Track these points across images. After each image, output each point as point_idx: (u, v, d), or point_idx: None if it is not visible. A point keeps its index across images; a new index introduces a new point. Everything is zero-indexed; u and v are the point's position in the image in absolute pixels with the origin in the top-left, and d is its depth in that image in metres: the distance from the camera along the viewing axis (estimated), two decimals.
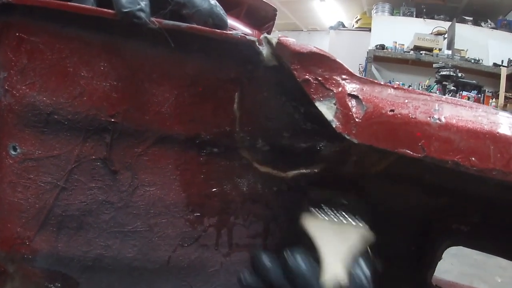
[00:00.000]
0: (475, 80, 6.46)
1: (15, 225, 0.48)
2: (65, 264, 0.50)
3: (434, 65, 5.51)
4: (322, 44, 8.62)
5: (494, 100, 7.25)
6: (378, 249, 0.55)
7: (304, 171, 0.51)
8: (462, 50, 7.25)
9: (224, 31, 0.44)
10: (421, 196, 0.54)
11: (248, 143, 0.50)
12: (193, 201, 0.50)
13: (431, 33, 7.17)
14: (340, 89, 0.43)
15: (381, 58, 7.12)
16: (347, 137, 0.41)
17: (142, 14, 0.40)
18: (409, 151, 0.40)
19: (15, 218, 0.48)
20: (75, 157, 0.46)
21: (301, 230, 0.46)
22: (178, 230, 0.50)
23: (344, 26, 7.98)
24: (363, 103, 0.42)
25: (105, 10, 0.42)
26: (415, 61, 7.05)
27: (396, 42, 7.12)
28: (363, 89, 0.43)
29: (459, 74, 5.34)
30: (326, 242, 0.44)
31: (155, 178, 0.48)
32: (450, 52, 7.03)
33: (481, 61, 7.22)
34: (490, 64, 7.23)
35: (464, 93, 7.18)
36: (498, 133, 0.38)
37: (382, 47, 7.07)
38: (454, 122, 0.39)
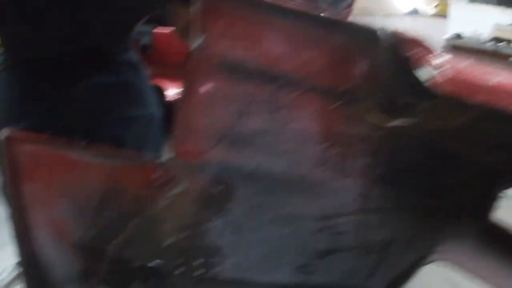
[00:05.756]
0: None
1: (197, 141, 0.70)
2: (230, 172, 0.71)
3: (510, 59, 5.39)
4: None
5: None
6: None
7: (403, 122, 0.70)
8: None
9: (357, 22, 0.66)
10: (491, 149, 0.71)
11: (367, 97, 0.69)
12: (325, 135, 0.70)
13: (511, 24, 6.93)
14: (431, 61, 0.63)
15: (457, 47, 6.97)
16: (436, 91, 0.62)
17: None
18: (472, 100, 0.62)
19: (199, 135, 0.69)
20: (251, 95, 0.67)
21: None
22: (313, 154, 0.71)
23: (419, 12, 7.83)
24: (446, 69, 0.63)
25: (283, 2, 0.63)
26: (493, 52, 6.87)
27: (474, 32, 6.94)
28: (446, 61, 0.64)
29: None
30: None
31: (302, 116, 0.69)
32: None
33: None
34: None
35: None
36: None
37: (459, 36, 6.92)
38: (504, 82, 0.64)
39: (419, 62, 0.64)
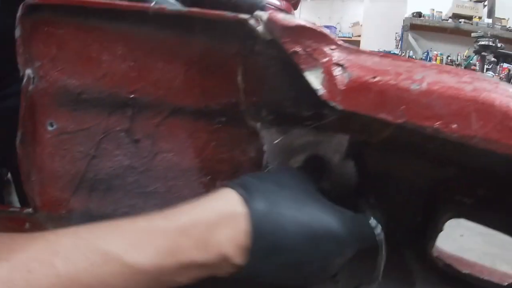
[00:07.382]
0: None
1: (53, 190, 0.57)
2: (97, 220, 0.58)
3: (472, 34, 5.30)
4: (356, 13, 8.38)
5: None
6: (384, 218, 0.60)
7: (300, 137, 0.56)
8: (503, 19, 6.82)
9: (218, 12, 0.48)
10: (426, 167, 0.57)
11: (254, 113, 0.55)
12: (206, 166, 0.57)
13: (471, 0, 6.88)
14: (327, 58, 0.46)
15: (418, 26, 6.85)
16: (332, 104, 0.45)
17: None
18: (389, 117, 0.43)
19: (54, 183, 0.56)
20: (102, 129, 0.54)
21: None
22: (193, 192, 0.57)
23: None
24: (348, 71, 0.45)
25: (118, 2, 0.49)
26: (453, 30, 6.75)
27: (433, 10, 6.85)
28: (348, 58, 0.47)
29: (499, 45, 5.10)
30: None
31: (171, 146, 0.55)
32: (490, 20, 6.69)
33: None
34: None
35: (505, 65, 6.84)
36: (481, 100, 0.40)
37: (419, 14, 6.77)
38: (435, 88, 0.42)
39: (309, 60, 0.47)
